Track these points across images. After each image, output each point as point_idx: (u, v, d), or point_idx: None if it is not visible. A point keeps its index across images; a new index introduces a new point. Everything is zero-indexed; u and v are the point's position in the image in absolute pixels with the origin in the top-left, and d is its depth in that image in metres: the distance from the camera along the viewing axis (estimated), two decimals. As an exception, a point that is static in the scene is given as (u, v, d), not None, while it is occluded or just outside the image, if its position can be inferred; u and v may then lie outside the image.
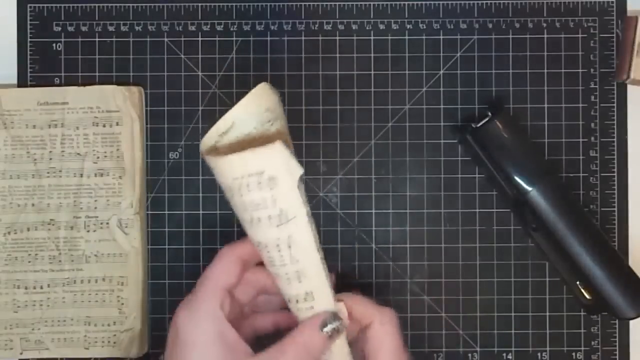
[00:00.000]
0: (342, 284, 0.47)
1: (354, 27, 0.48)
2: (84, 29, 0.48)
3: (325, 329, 0.36)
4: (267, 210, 0.36)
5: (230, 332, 0.35)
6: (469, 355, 0.48)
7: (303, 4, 0.48)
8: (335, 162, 0.48)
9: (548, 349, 0.48)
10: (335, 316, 0.36)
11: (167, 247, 0.48)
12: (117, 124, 0.47)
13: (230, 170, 0.36)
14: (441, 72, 0.48)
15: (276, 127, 0.38)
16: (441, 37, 0.48)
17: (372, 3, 0.48)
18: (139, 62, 0.48)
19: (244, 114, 0.37)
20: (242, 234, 0.48)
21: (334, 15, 0.48)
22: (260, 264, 0.39)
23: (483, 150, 0.46)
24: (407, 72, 0.48)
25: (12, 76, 0.48)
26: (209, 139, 0.38)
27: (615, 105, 0.48)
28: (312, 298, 0.37)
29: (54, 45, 0.48)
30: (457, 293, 0.48)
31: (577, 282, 0.46)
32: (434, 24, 0.48)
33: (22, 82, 0.48)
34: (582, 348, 0.48)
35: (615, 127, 0.48)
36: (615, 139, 0.48)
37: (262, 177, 0.35)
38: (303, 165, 0.36)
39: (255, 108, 0.37)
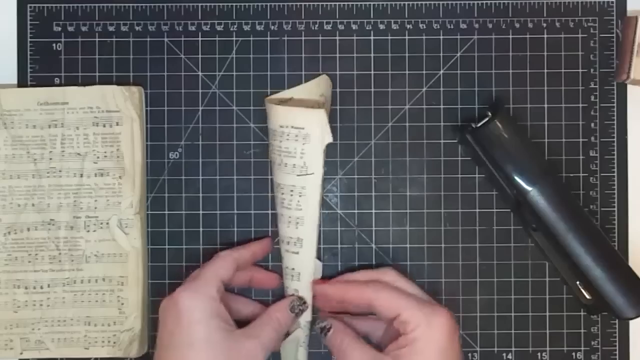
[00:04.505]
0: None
1: (354, 27, 0.48)
2: (84, 29, 0.48)
3: (293, 310, 0.44)
4: (295, 159, 0.44)
5: (223, 310, 0.42)
6: (469, 355, 0.48)
7: (303, 4, 0.48)
8: (335, 162, 0.48)
9: (548, 349, 0.48)
10: (301, 300, 0.45)
11: (167, 247, 0.48)
12: (117, 124, 0.47)
13: (280, 119, 0.44)
14: (441, 72, 0.48)
15: (324, 106, 0.46)
16: (441, 37, 0.48)
17: (372, 3, 0.48)
18: (139, 62, 0.48)
19: (303, 92, 0.47)
20: (240, 236, 0.48)
21: (334, 15, 0.48)
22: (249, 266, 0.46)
23: (483, 150, 0.46)
24: (407, 72, 0.48)
25: (12, 76, 0.48)
26: (271, 100, 0.47)
27: (615, 105, 0.48)
28: (300, 245, 0.45)
29: (54, 45, 0.48)
30: (457, 293, 0.48)
31: (577, 282, 0.46)
32: (434, 24, 0.48)
33: (22, 82, 0.48)
34: (582, 348, 0.48)
35: (615, 127, 0.48)
36: (615, 139, 0.48)
37: (301, 132, 0.43)
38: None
39: (314, 90, 0.47)
